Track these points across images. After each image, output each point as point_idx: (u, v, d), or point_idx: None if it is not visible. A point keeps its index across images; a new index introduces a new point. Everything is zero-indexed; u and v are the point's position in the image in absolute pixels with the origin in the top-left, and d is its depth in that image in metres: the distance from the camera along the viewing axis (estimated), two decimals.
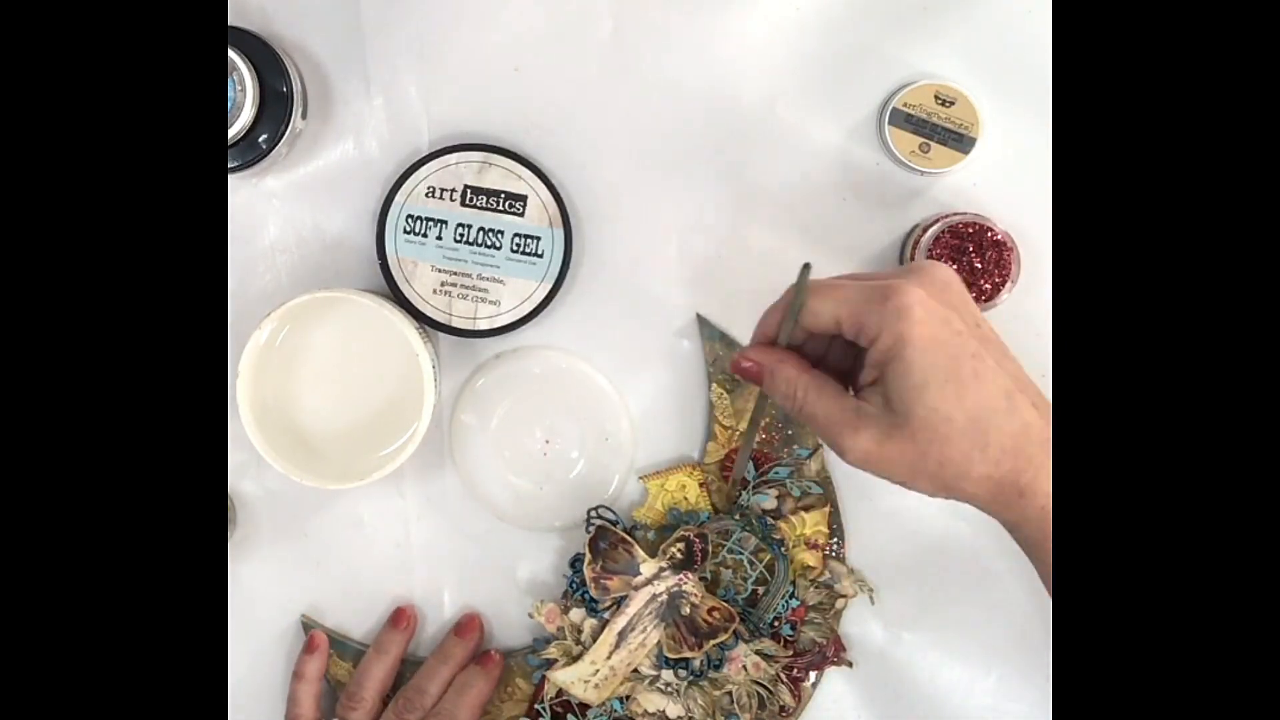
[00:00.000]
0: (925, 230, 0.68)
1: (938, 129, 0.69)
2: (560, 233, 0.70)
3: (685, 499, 0.71)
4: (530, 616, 0.72)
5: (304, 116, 0.71)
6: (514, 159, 0.70)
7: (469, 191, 0.70)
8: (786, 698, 0.70)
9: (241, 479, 0.74)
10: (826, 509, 0.71)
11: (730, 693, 0.70)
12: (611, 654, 0.69)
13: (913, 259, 0.68)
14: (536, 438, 0.73)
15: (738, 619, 0.69)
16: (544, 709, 0.71)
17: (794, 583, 0.71)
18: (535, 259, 0.70)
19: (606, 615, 0.70)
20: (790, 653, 0.71)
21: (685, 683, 0.70)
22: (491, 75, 0.71)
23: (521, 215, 0.70)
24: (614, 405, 0.72)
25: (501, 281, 0.70)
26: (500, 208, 0.70)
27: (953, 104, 0.69)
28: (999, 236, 0.67)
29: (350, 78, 0.72)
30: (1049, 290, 0.70)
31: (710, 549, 0.70)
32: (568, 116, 0.72)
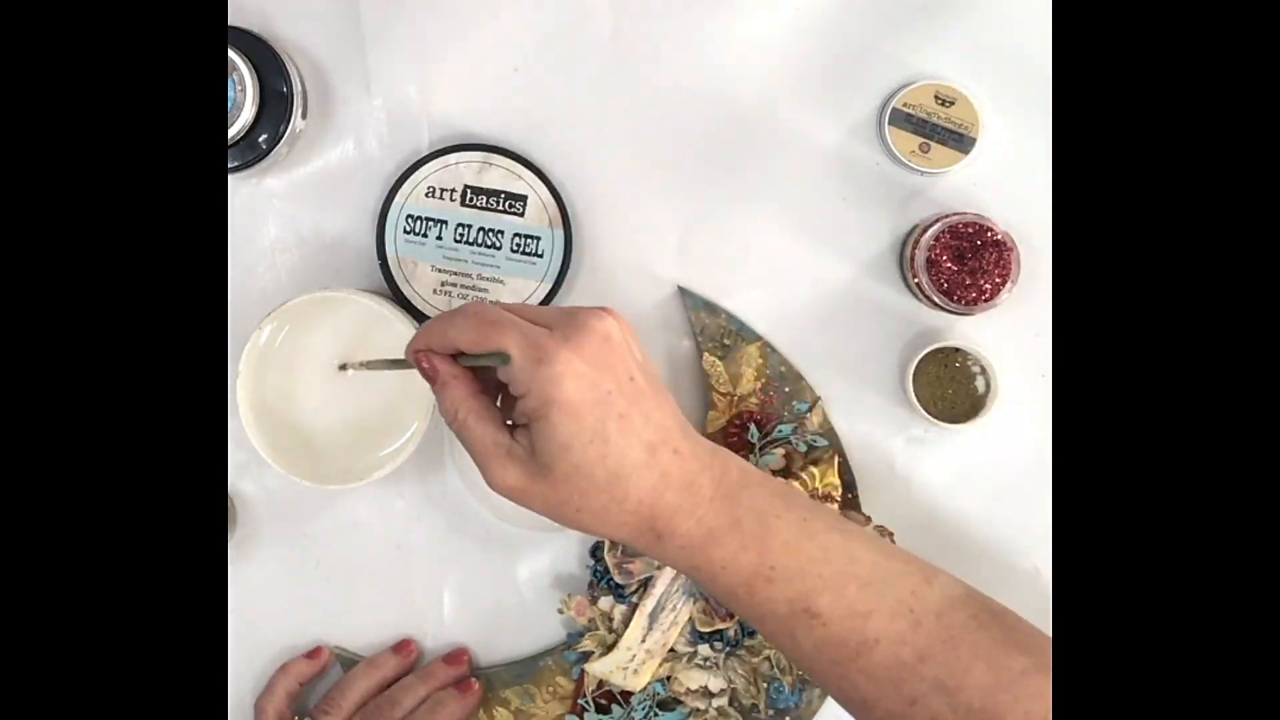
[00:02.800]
0: (925, 230, 0.68)
1: (938, 129, 0.69)
2: (560, 233, 0.70)
3: None
4: (560, 611, 0.72)
5: (304, 116, 0.71)
6: (514, 159, 0.70)
7: (469, 191, 0.70)
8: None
9: (241, 479, 0.74)
10: (835, 460, 0.71)
11: (769, 658, 0.70)
12: (645, 637, 0.69)
13: (913, 259, 0.68)
14: None
15: None
16: (588, 703, 0.71)
17: None
18: (535, 259, 0.70)
19: (634, 599, 0.70)
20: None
21: (723, 654, 0.69)
22: (491, 75, 0.71)
23: (521, 215, 0.70)
24: None
25: (501, 281, 0.70)
26: (500, 208, 0.70)
27: (953, 104, 0.69)
28: (999, 236, 0.67)
29: (350, 78, 0.72)
30: (1049, 290, 0.70)
31: None
32: (568, 116, 0.72)
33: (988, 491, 0.72)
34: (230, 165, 0.68)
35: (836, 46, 0.71)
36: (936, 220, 0.68)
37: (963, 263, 0.67)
